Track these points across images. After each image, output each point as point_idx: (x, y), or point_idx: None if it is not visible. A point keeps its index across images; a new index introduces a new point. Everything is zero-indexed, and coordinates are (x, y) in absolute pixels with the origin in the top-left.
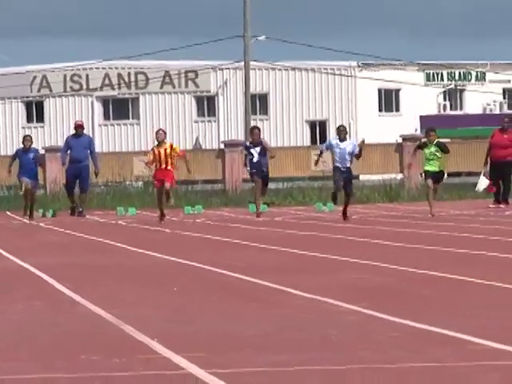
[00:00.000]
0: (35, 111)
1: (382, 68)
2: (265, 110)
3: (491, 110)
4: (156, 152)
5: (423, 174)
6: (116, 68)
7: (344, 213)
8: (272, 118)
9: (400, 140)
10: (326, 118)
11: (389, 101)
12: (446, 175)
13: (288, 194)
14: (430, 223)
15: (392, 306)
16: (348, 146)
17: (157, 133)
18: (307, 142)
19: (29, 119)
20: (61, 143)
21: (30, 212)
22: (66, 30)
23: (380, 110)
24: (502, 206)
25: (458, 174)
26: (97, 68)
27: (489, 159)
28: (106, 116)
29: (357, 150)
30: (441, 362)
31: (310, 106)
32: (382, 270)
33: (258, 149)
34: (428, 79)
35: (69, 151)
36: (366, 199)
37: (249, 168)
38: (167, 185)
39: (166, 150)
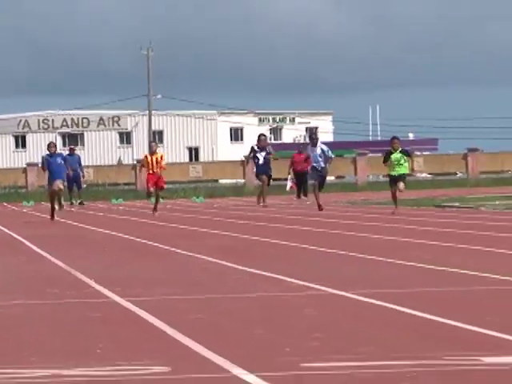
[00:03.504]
0: (21, 141)
1: (232, 115)
2: (161, 140)
3: (298, 141)
4: (149, 159)
5: (389, 178)
6: (69, 115)
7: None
8: (165, 146)
9: (243, 158)
10: (199, 145)
11: (236, 135)
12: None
13: (175, 192)
14: (263, 209)
15: (242, 260)
16: (318, 149)
17: (149, 145)
18: (186, 159)
19: (17, 146)
20: (38, 162)
21: (59, 205)
22: (39, 90)
23: (231, 141)
24: (304, 198)
25: (280, 179)
26: (58, 115)
27: (291, 170)
28: (64, 145)
29: (327, 152)
30: (268, 292)
31: (189, 138)
32: (236, 238)
33: (263, 153)
34: (260, 121)
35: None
36: (222, 194)
37: (255, 169)
38: (159, 187)
39: (157, 158)
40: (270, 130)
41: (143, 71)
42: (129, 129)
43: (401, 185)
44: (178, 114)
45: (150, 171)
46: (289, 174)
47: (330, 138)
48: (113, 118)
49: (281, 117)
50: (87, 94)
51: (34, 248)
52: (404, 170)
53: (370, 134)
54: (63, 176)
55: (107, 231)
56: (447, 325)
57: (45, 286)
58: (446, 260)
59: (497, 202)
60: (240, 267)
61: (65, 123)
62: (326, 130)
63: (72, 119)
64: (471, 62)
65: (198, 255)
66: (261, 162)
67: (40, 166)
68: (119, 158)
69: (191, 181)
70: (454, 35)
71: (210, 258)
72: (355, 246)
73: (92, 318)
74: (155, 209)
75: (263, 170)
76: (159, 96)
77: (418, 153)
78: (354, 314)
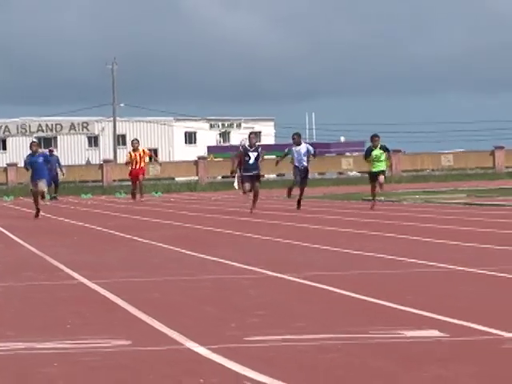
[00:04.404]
0: (1, 144)
1: (186, 120)
2: (124, 143)
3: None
4: (133, 155)
5: (370, 174)
6: (44, 121)
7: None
8: (128, 148)
9: (196, 159)
10: (157, 147)
11: (190, 138)
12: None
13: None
14: (213, 202)
15: (192, 246)
16: (302, 148)
17: (132, 142)
18: (147, 160)
19: None
20: (17, 162)
21: (42, 198)
22: (17, 99)
23: (186, 143)
24: (250, 194)
25: (228, 177)
26: (34, 121)
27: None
28: (40, 147)
29: (312, 151)
30: (218, 275)
31: (149, 141)
32: (187, 228)
33: (255, 153)
34: (211, 127)
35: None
36: (178, 190)
37: (243, 167)
38: (141, 177)
39: (140, 154)
40: (220, 134)
41: (108, 83)
42: (96, 133)
43: (381, 178)
44: (139, 120)
45: (133, 166)
46: (235, 172)
47: (271, 141)
48: (82, 123)
49: (229, 123)
50: (60, 103)
51: (12, 236)
52: (383, 166)
53: (307, 137)
54: (45, 175)
55: (78, 223)
56: (374, 303)
57: (20, 270)
58: (374, 247)
59: (417, 196)
60: (193, 253)
61: (40, 128)
62: (269, 134)
63: (46, 125)
64: (394, 75)
65: (156, 243)
66: (251, 161)
67: (23, 166)
68: (88, 159)
69: (151, 178)
70: (379, 50)
71: (166, 246)
72: (297, 236)
73: (62, 298)
74: (141, 196)
75: (252, 169)
76: (122, 104)
77: (349, 154)
78: (292, 294)
